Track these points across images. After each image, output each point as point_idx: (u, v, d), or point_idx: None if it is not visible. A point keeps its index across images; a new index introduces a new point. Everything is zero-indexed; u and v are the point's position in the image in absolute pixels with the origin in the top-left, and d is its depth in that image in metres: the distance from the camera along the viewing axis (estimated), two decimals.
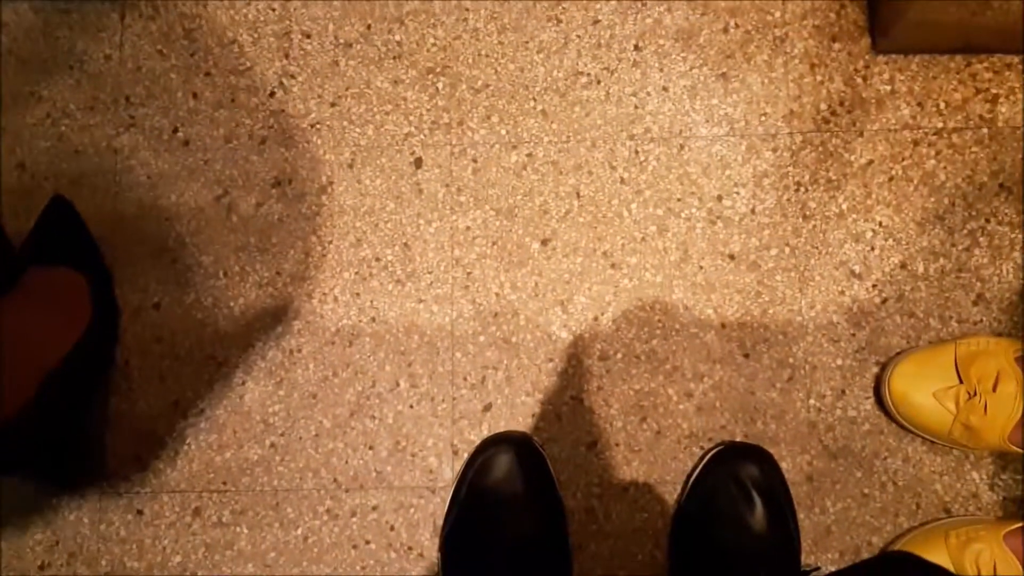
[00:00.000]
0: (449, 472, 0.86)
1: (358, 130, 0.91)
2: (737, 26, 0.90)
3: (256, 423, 0.88)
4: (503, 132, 0.90)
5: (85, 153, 0.92)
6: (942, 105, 0.88)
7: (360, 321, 0.88)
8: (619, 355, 0.87)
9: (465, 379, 0.87)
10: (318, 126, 0.91)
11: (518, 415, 0.86)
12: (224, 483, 0.87)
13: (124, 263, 0.90)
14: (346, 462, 0.87)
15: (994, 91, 0.88)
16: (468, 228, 0.89)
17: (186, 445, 0.88)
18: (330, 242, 0.89)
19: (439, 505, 0.86)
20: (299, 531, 0.86)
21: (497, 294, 0.88)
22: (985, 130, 0.87)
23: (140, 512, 0.87)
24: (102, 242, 0.90)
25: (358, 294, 0.89)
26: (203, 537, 0.87)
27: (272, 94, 0.92)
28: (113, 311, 0.89)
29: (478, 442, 0.81)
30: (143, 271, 0.90)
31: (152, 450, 0.88)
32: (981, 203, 0.87)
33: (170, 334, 0.89)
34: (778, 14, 0.90)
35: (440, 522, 0.83)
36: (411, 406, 0.87)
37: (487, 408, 0.87)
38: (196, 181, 0.91)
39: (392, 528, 0.86)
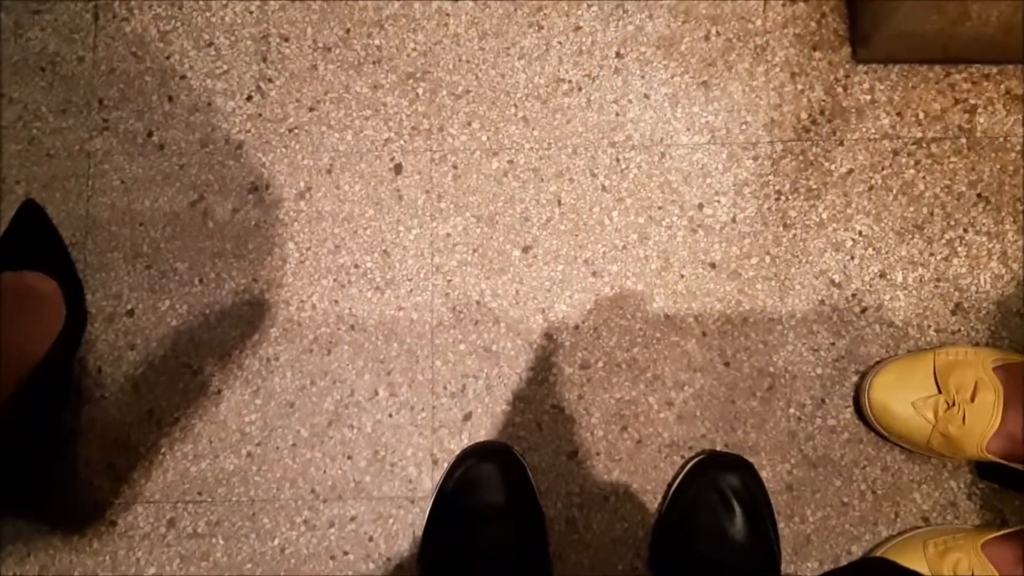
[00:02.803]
0: (429, 482, 0.85)
1: (337, 135, 0.90)
2: (718, 34, 0.90)
3: (232, 432, 0.86)
4: (484, 138, 0.89)
5: (57, 157, 0.90)
6: (921, 115, 0.88)
7: (338, 329, 0.87)
8: (600, 364, 0.86)
9: (445, 388, 0.86)
10: (296, 131, 0.90)
11: (498, 424, 0.86)
12: (199, 493, 0.86)
13: (97, 269, 0.89)
14: (324, 472, 0.86)
15: (972, 101, 0.88)
16: (448, 235, 0.88)
17: (160, 455, 0.86)
18: (308, 248, 0.88)
19: (418, 515, 0.85)
20: (276, 542, 0.85)
21: (478, 302, 0.87)
22: (964, 140, 0.88)
23: (113, 523, 0.85)
24: (74, 248, 0.88)
25: (336, 301, 0.88)
26: (178, 548, 0.85)
27: (249, 98, 0.91)
28: (84, 318, 0.88)
29: (458, 452, 0.81)
30: (116, 277, 0.88)
31: (126, 460, 0.86)
32: (959, 213, 0.87)
33: (144, 342, 0.88)
34: (759, 22, 0.90)
35: (420, 533, 0.83)
36: (390, 415, 0.86)
37: (467, 417, 0.86)
38: (171, 186, 0.89)
39: (371, 539, 0.85)
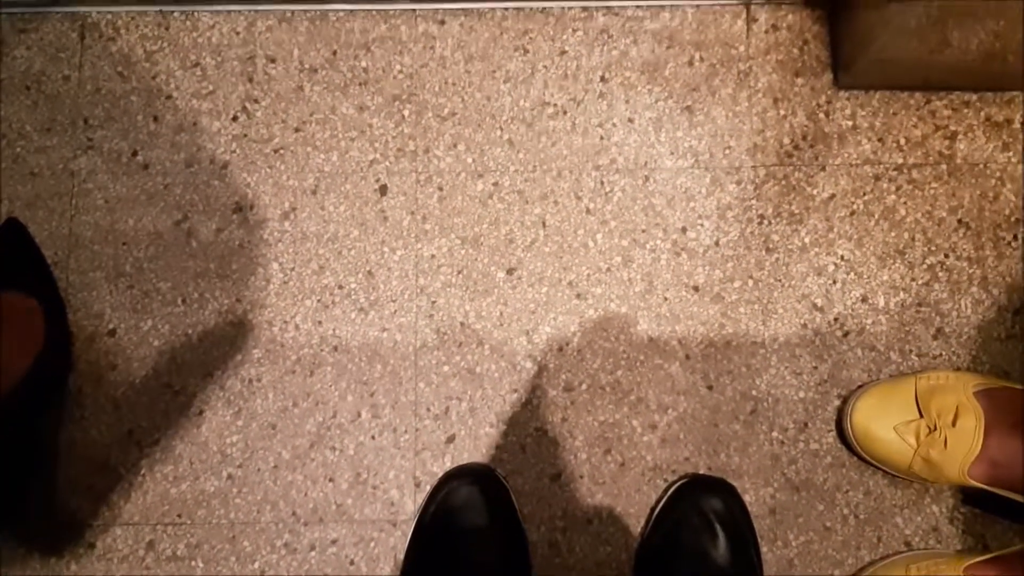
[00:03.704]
0: (411, 505, 0.85)
1: (322, 156, 0.90)
2: (702, 60, 0.91)
3: (213, 454, 0.86)
4: (469, 160, 0.90)
5: (41, 176, 0.90)
6: (902, 141, 0.89)
7: (322, 350, 0.87)
8: (584, 386, 0.86)
9: (428, 410, 0.86)
10: (281, 151, 0.90)
11: (482, 447, 0.86)
12: (179, 515, 0.85)
13: (79, 288, 0.88)
14: (305, 494, 0.85)
15: (953, 128, 0.89)
16: (433, 256, 0.88)
17: (140, 476, 0.85)
18: (292, 269, 0.88)
19: (400, 539, 0.84)
20: (256, 565, 0.84)
21: (462, 323, 0.87)
22: (944, 166, 0.89)
23: (92, 545, 0.85)
24: (57, 266, 0.88)
25: (320, 322, 0.87)
26: (157, 571, 0.84)
27: (235, 118, 0.91)
28: (66, 338, 0.87)
29: (441, 474, 0.80)
30: (99, 297, 0.88)
31: (105, 481, 0.85)
32: (940, 238, 0.88)
33: (126, 362, 0.87)
34: (742, 49, 0.91)
35: (401, 556, 0.82)
36: (373, 437, 0.86)
37: (450, 439, 0.86)
38: (155, 206, 0.89)
39: (352, 562, 0.84)
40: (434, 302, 0.88)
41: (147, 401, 0.87)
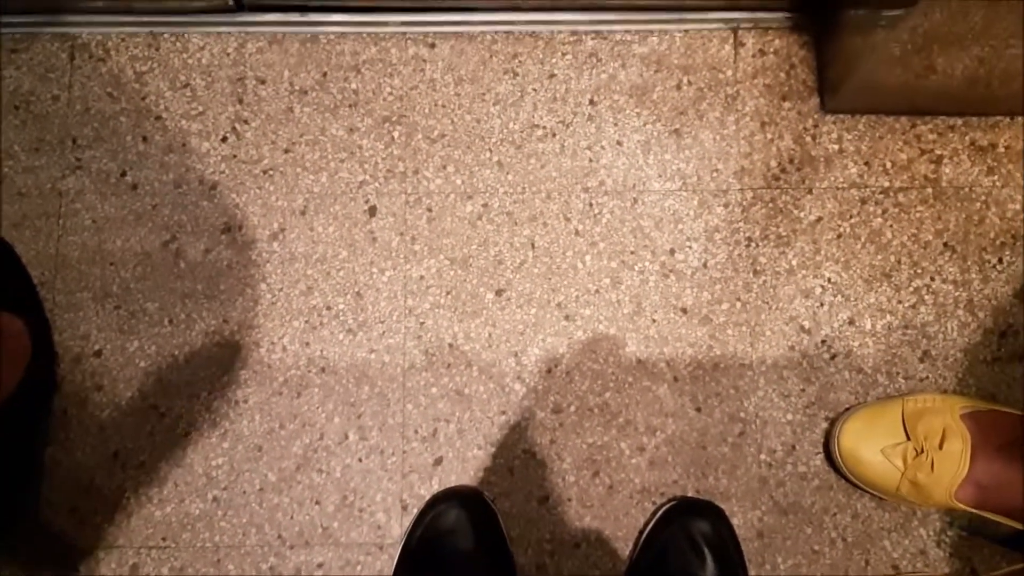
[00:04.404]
0: (398, 528, 0.84)
1: (312, 177, 0.90)
2: (690, 83, 0.92)
3: (198, 476, 0.85)
4: (458, 182, 0.90)
5: (28, 195, 0.90)
6: (888, 165, 0.90)
7: (309, 371, 0.87)
8: (572, 408, 0.86)
9: (416, 432, 0.86)
10: (271, 172, 0.90)
11: (469, 469, 0.85)
12: (163, 539, 0.84)
13: (66, 308, 0.88)
14: (291, 517, 0.84)
15: (938, 152, 0.90)
16: (422, 277, 0.88)
17: (125, 498, 0.85)
18: (280, 290, 0.88)
19: (387, 563, 0.84)
20: None
21: (450, 344, 0.87)
22: (930, 190, 0.89)
23: (75, 568, 0.84)
24: (43, 286, 0.88)
25: (308, 343, 0.87)
26: None
27: (224, 139, 0.91)
28: (51, 358, 0.87)
29: (428, 497, 0.80)
30: (85, 317, 0.88)
31: (89, 503, 0.85)
32: (926, 261, 0.88)
33: (111, 383, 0.87)
34: (730, 73, 0.92)
35: None
36: (360, 459, 0.85)
37: (438, 462, 0.85)
38: (143, 226, 0.89)
39: None
40: (422, 323, 0.87)
41: (132, 423, 0.86)
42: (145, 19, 0.92)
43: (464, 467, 0.85)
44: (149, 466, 0.85)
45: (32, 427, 0.85)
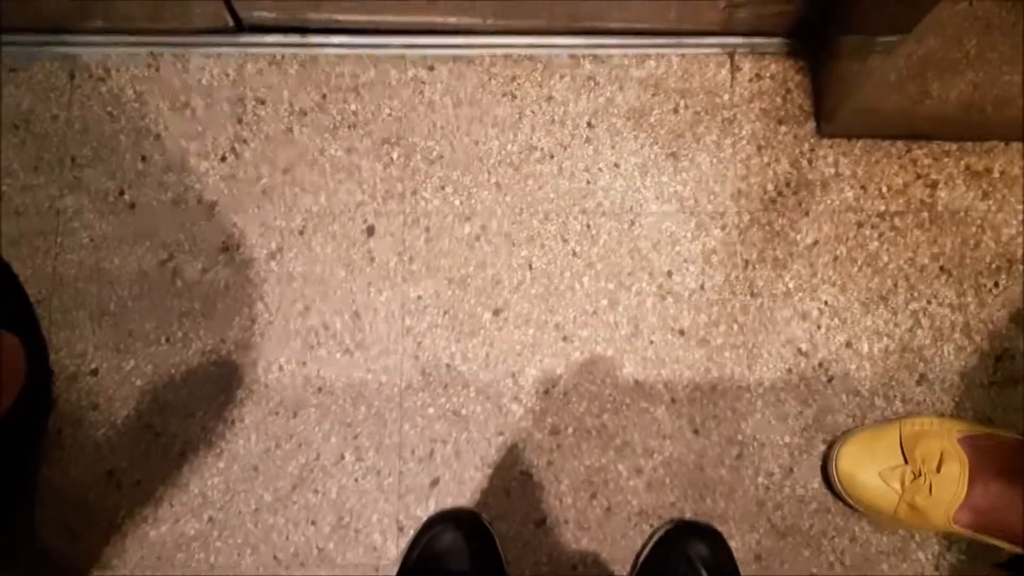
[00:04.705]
0: (394, 549, 0.84)
1: (310, 197, 0.90)
2: (687, 107, 0.92)
3: (194, 496, 0.85)
4: (457, 203, 0.90)
5: (26, 214, 0.90)
6: (884, 189, 0.91)
7: (306, 391, 0.86)
8: (570, 429, 0.86)
9: (413, 452, 0.85)
10: (269, 192, 0.90)
11: (466, 490, 0.85)
12: (158, 559, 0.83)
13: (62, 327, 0.87)
14: (287, 538, 0.84)
15: (934, 176, 0.91)
16: (420, 297, 0.88)
17: (120, 518, 0.84)
18: (277, 309, 0.88)
19: None
20: None
21: (448, 365, 0.87)
22: (925, 214, 0.90)
23: None
24: (40, 305, 0.87)
25: (304, 363, 0.87)
26: None
27: (223, 159, 0.91)
28: (47, 376, 0.86)
29: (424, 519, 0.80)
30: (82, 336, 0.87)
31: (83, 523, 0.84)
32: (922, 285, 0.89)
33: (107, 401, 0.86)
34: (727, 97, 0.93)
35: None
36: (356, 480, 0.85)
37: (435, 483, 0.85)
38: (141, 245, 0.89)
39: None
40: (420, 343, 0.87)
41: (128, 442, 0.86)
42: (145, 40, 0.93)
43: (461, 488, 0.85)
44: (144, 486, 0.85)
45: (27, 446, 0.84)
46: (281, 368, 0.87)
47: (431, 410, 0.86)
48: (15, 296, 0.87)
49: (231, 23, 0.91)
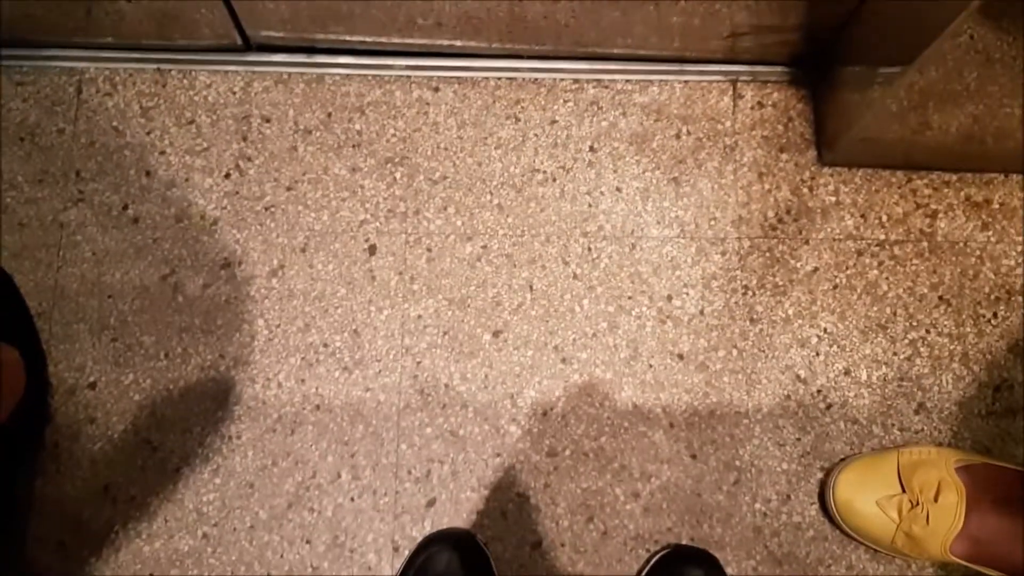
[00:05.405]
0: (389, 569, 0.83)
1: (313, 215, 0.91)
2: (689, 133, 0.93)
3: (189, 512, 0.84)
4: (459, 223, 0.90)
5: (29, 226, 0.90)
6: (884, 218, 0.91)
7: (304, 409, 0.86)
8: (567, 452, 0.86)
9: (409, 472, 0.85)
10: (272, 209, 0.91)
11: (462, 511, 0.85)
12: (152, 574, 0.83)
13: (62, 340, 0.87)
14: (281, 556, 0.83)
15: (933, 207, 0.91)
16: (420, 317, 0.88)
17: (113, 533, 0.84)
18: (277, 326, 0.88)
19: None
20: None
21: (446, 385, 0.87)
22: (925, 244, 0.90)
23: None
24: (40, 317, 0.88)
25: (303, 380, 0.87)
26: None
27: (227, 175, 0.91)
28: (45, 389, 0.86)
29: (420, 539, 0.79)
30: (81, 349, 0.87)
31: (77, 538, 0.84)
32: (921, 314, 0.89)
33: (104, 415, 0.86)
34: (728, 124, 0.93)
35: None
36: (352, 499, 0.85)
37: (431, 503, 0.85)
38: (143, 259, 0.89)
39: None
40: (419, 363, 0.87)
41: (124, 456, 0.85)
42: (153, 56, 0.94)
43: (457, 509, 0.85)
44: (139, 501, 0.84)
45: (22, 459, 0.84)
46: (280, 385, 0.87)
47: (429, 430, 0.86)
48: (16, 308, 0.87)
49: (239, 42, 0.92)
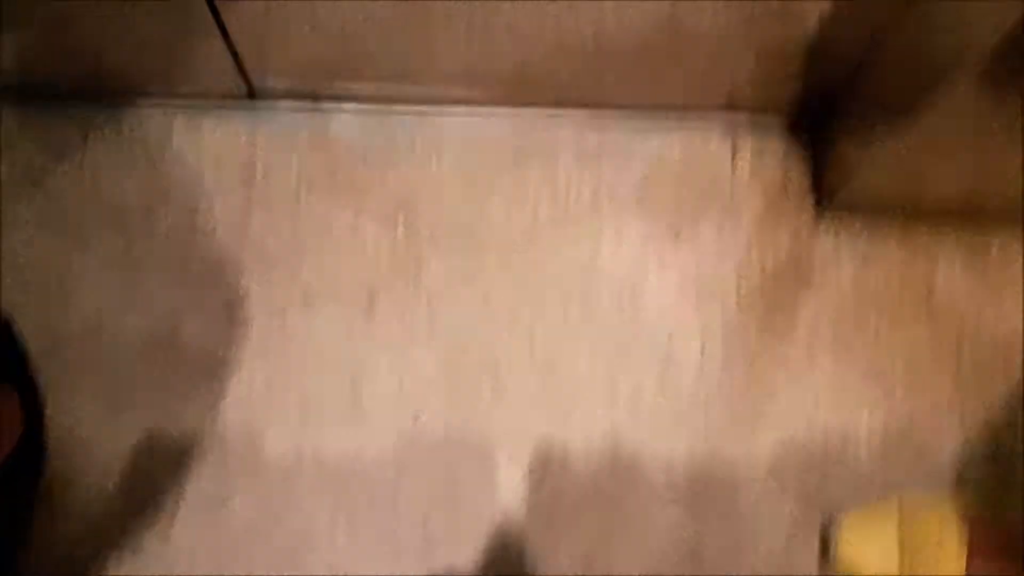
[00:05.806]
0: None
1: (315, 264, 0.91)
2: (689, 182, 0.94)
3: (181, 559, 0.83)
4: (459, 272, 0.91)
5: (31, 269, 0.90)
6: (883, 268, 0.91)
7: (300, 461, 0.85)
8: (567, 502, 0.85)
9: (408, 524, 0.84)
10: (274, 258, 0.91)
11: (461, 563, 0.84)
12: None
13: (61, 385, 0.87)
14: None
15: (933, 259, 0.91)
16: (419, 367, 0.88)
17: None
18: (276, 376, 0.88)
19: None
20: None
21: (445, 434, 0.87)
22: (924, 295, 0.91)
23: None
24: (40, 360, 0.87)
25: (300, 432, 0.86)
26: None
27: (231, 223, 0.92)
28: (42, 433, 0.86)
29: None
30: (79, 393, 0.87)
31: None
32: (920, 364, 0.89)
33: (99, 462, 0.85)
34: (729, 173, 0.94)
35: None
36: (348, 555, 0.83)
37: (429, 554, 0.84)
38: (144, 306, 0.89)
39: None
40: (418, 415, 0.87)
41: (118, 504, 0.85)
42: (158, 102, 0.95)
43: (456, 561, 0.84)
44: (132, 548, 0.83)
45: (17, 501, 0.83)
46: (277, 435, 0.86)
47: (427, 481, 0.85)
48: (15, 351, 0.87)
49: (244, 90, 0.93)
